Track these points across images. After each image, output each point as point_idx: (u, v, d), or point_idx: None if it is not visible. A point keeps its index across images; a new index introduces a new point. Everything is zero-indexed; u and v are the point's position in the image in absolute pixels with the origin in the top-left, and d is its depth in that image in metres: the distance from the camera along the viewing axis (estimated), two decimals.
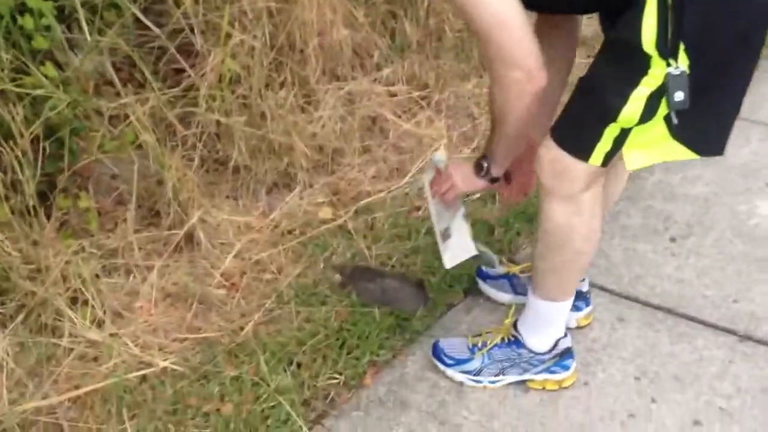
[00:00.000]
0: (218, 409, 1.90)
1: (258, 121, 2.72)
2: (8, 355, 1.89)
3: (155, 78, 2.59)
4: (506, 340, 2.05)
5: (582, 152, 1.71)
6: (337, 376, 2.05)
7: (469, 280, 2.46)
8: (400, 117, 3.28)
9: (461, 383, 2.06)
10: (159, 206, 2.39)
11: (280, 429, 1.88)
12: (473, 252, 2.09)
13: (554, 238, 1.86)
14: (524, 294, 2.23)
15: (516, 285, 2.34)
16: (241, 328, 2.15)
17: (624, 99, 1.61)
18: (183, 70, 2.81)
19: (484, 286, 2.39)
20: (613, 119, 1.65)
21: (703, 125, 1.68)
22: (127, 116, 2.43)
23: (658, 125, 1.67)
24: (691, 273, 2.57)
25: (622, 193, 2.99)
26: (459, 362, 2.07)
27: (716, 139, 1.73)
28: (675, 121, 1.64)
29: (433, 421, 1.97)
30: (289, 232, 2.57)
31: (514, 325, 2.06)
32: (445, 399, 2.04)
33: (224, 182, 2.67)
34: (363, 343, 2.14)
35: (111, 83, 2.57)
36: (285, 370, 2.02)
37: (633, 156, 1.71)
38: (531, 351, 2.03)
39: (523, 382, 2.07)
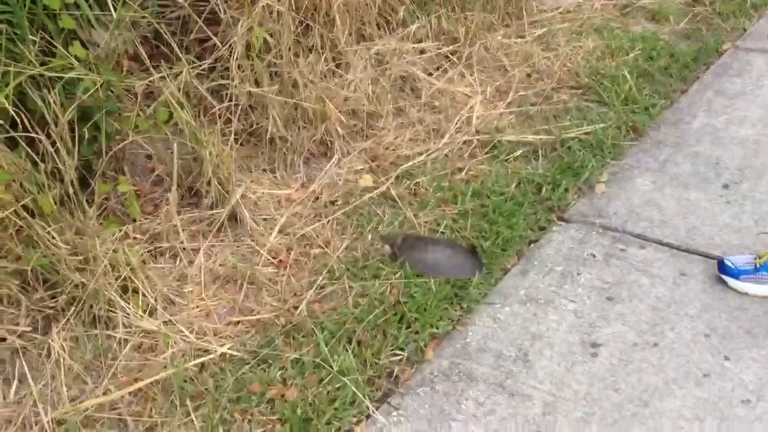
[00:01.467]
0: (282, 395, 1.84)
1: (290, 90, 2.63)
2: (64, 350, 1.84)
3: (181, 51, 2.50)
4: None
5: None
6: (399, 351, 1.99)
7: (520, 242, 2.40)
8: (431, 75, 3.18)
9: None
10: (198, 185, 2.32)
11: (348, 411, 1.83)
12: None
13: None
14: None
15: None
16: (295, 308, 2.09)
17: None
18: (207, 40, 2.72)
19: (736, 283, 2.19)
20: None
21: None
22: (158, 93, 2.34)
23: None
24: (749, 220, 2.49)
25: (668, 140, 2.93)
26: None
27: None
28: None
29: (502, 392, 1.92)
30: (332, 203, 2.49)
31: None
32: (512, 369, 1.98)
33: (260, 155, 2.59)
34: (421, 315, 2.08)
35: (137, 59, 2.49)
36: (346, 349, 1.96)
37: None
38: None
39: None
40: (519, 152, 2.78)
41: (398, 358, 1.99)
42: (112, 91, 2.32)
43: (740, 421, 1.82)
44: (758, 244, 2.36)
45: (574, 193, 2.61)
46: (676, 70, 3.36)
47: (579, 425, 1.83)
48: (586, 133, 2.87)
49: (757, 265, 2.16)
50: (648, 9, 3.93)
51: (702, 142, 2.91)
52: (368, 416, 1.84)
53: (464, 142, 2.84)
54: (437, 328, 2.07)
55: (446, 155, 2.77)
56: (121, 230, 2.11)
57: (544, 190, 2.59)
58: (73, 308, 1.91)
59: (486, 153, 2.78)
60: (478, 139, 2.84)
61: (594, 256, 2.35)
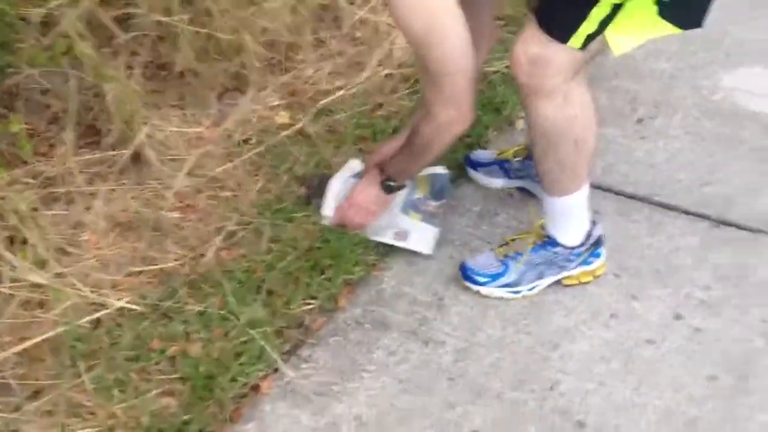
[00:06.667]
0: (184, 351, 1.61)
1: (203, 19, 2.31)
2: None
3: None
4: (540, 242, 1.82)
5: (563, 33, 1.54)
6: (311, 300, 1.77)
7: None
8: (353, 3, 2.87)
9: (500, 298, 1.83)
10: (99, 123, 2.01)
11: (255, 365, 1.61)
12: (436, 230, 1.97)
13: (550, 137, 1.65)
14: (517, 178, 2.10)
15: (508, 170, 2.13)
16: (202, 256, 1.83)
17: None
18: None
19: (474, 174, 2.17)
20: None
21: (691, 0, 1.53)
22: (56, 23, 2.01)
23: (646, 8, 1.49)
24: (662, 157, 2.33)
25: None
26: (495, 277, 1.83)
27: (699, 12, 1.56)
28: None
29: (416, 340, 1.73)
30: (245, 141, 2.21)
31: (541, 227, 1.84)
32: (426, 316, 1.79)
33: (169, 90, 2.28)
34: (336, 261, 1.85)
35: None
36: (254, 300, 1.73)
37: (618, 40, 1.54)
38: (566, 247, 1.81)
39: (558, 282, 1.85)
40: None
41: (310, 307, 1.77)
42: (4, 21, 1.98)
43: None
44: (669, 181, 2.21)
45: (493, 130, 2.40)
46: None
47: (491, 370, 1.67)
48: (507, 67, 2.62)
49: (498, 159, 2.14)
50: None
51: (620, 76, 2.72)
52: (276, 370, 1.63)
53: (386, 76, 2.57)
54: (352, 275, 1.85)
55: (366, 90, 2.50)
56: (10, 174, 1.81)
57: None
58: None
59: (408, 88, 2.53)
60: (401, 73, 2.58)
61: (511, 195, 2.16)
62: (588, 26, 1.51)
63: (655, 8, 1.50)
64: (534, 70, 1.57)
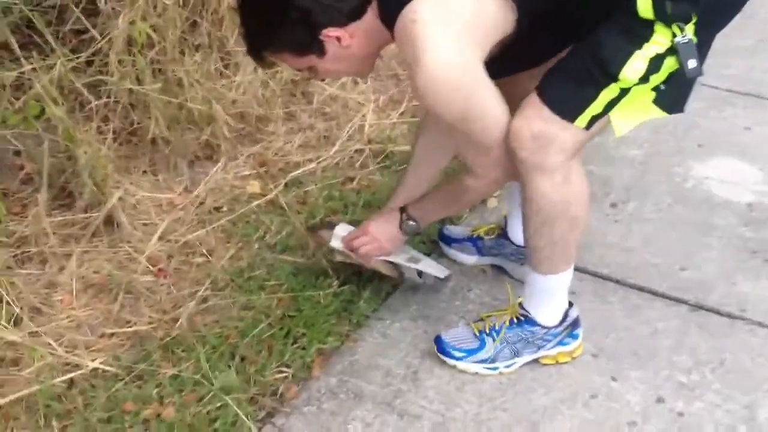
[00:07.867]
0: (158, 414, 1.77)
1: (174, 89, 2.56)
2: None
3: (56, 42, 2.39)
4: (516, 320, 2.00)
5: (570, 113, 1.71)
6: (285, 369, 1.95)
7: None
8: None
9: (476, 373, 2.00)
10: (72, 186, 2.21)
11: None
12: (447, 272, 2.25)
13: (548, 213, 1.81)
14: (490, 256, 2.37)
15: (481, 247, 2.36)
16: (175, 320, 2.01)
17: (627, 56, 1.64)
18: (85, 32, 2.60)
19: (448, 249, 2.40)
20: (614, 78, 1.66)
21: (681, 88, 1.74)
22: (30, 86, 2.22)
23: (646, 93, 1.71)
24: (636, 241, 2.56)
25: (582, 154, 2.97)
26: (470, 352, 2.00)
27: (684, 99, 1.78)
28: (663, 87, 1.69)
29: (391, 413, 1.91)
30: (216, 209, 2.43)
31: (520, 305, 2.02)
32: (401, 388, 1.97)
33: (141, 156, 2.50)
34: (309, 330, 2.04)
35: (7, 48, 2.35)
36: (228, 366, 1.91)
37: (620, 123, 1.74)
38: (544, 327, 2.00)
39: (535, 360, 2.04)
40: None
41: (284, 375, 1.95)
42: None
43: None
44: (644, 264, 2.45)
45: (471, 210, 2.63)
46: None
47: None
48: None
49: (472, 236, 2.37)
50: None
51: (594, 161, 2.96)
52: None
53: (356, 151, 2.84)
54: (325, 344, 2.04)
55: (337, 164, 2.76)
56: None
57: None
58: None
59: (378, 163, 2.78)
60: (370, 149, 2.85)
61: (484, 272, 2.38)
62: (595, 107, 1.69)
63: (652, 95, 1.72)
64: (537, 146, 1.71)
